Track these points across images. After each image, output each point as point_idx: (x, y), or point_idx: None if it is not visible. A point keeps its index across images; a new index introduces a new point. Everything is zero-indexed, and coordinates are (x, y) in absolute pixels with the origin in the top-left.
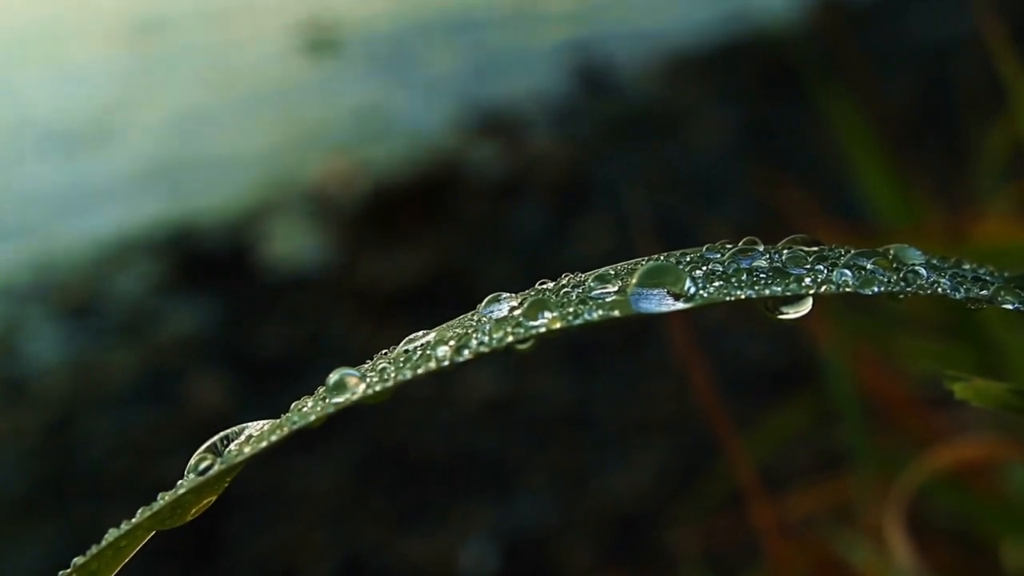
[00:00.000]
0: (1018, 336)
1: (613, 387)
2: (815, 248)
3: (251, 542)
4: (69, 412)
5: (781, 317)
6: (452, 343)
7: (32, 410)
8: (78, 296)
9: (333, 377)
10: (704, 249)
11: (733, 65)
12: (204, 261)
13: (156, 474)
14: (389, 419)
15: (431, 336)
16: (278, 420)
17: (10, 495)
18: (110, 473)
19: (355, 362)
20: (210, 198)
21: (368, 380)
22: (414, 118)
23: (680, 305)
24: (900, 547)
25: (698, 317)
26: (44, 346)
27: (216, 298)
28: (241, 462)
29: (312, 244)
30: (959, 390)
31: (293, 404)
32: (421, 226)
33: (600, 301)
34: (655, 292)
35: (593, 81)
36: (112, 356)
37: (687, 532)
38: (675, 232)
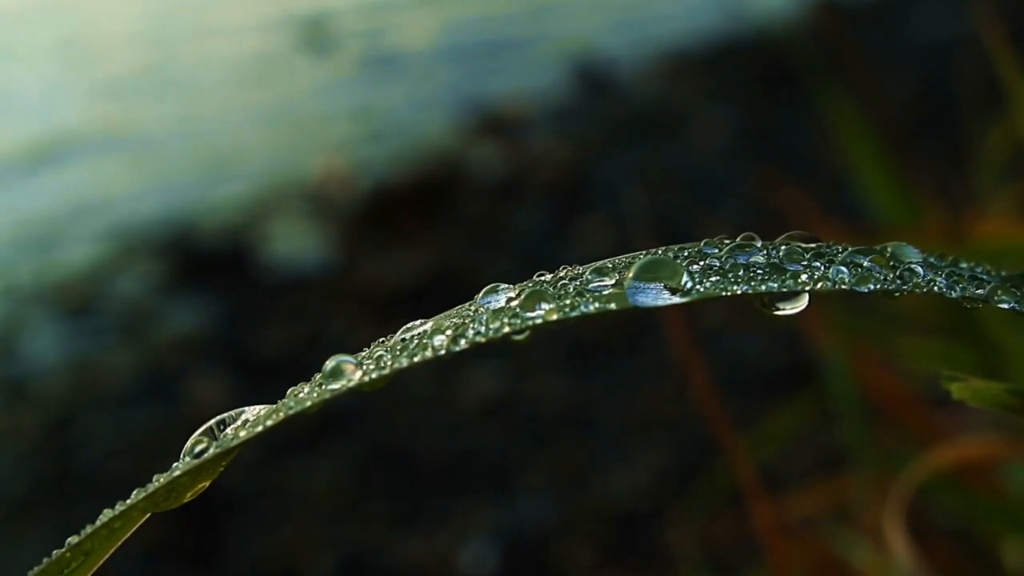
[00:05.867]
0: (1019, 336)
1: (613, 386)
2: (812, 245)
3: (251, 542)
4: (69, 412)
5: (777, 313)
6: (449, 332)
7: (32, 410)
8: (78, 296)
9: (330, 364)
10: (702, 244)
11: (733, 65)
12: (204, 261)
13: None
14: (389, 419)
15: (428, 325)
16: (274, 405)
17: (10, 495)
18: (110, 473)
19: None
20: (210, 198)
21: (364, 367)
22: (414, 118)
23: (676, 299)
24: (900, 547)
25: (699, 316)
26: (44, 346)
27: (216, 298)
28: (237, 446)
29: (312, 244)
30: (956, 390)
31: (289, 390)
32: (421, 226)
33: (597, 294)
34: (652, 286)
35: (593, 81)
36: (112, 356)
37: (687, 532)
38: (674, 232)
